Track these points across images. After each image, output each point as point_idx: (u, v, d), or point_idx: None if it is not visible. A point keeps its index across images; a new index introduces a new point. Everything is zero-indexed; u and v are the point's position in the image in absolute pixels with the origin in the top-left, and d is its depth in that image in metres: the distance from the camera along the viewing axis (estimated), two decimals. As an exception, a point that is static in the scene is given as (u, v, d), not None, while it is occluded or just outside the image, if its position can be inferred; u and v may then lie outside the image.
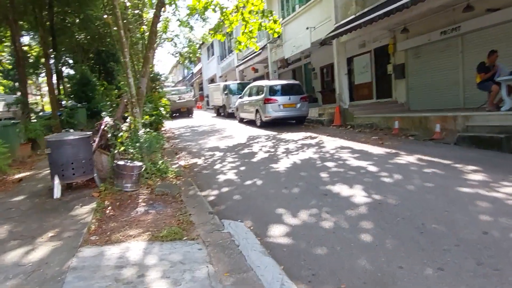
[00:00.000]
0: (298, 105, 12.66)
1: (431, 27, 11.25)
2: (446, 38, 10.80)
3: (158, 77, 15.64)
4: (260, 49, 19.70)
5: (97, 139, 5.19)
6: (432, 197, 4.04)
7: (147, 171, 5.59)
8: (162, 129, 15.65)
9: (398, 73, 13.07)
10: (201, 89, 41.67)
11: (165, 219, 3.94)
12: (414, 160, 6.01)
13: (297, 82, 13.82)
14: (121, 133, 5.15)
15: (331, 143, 8.48)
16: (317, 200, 4.34)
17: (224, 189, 5.31)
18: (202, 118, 21.26)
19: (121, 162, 4.77)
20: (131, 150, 5.44)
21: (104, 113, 5.57)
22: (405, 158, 6.20)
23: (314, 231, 3.46)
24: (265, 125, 12.93)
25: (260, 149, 8.37)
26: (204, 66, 37.85)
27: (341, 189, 4.65)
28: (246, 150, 8.43)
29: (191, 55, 18.52)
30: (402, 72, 12.90)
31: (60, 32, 14.59)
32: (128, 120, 5.68)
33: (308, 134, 10.44)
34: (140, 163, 4.96)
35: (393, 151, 6.99)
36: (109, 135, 5.01)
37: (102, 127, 5.20)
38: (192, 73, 46.43)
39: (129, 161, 4.97)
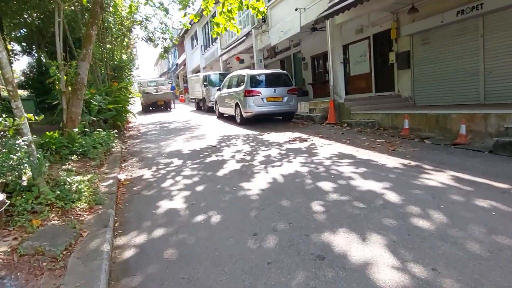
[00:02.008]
0: (285, 99, 10.65)
1: (444, 6, 9.31)
2: (464, 19, 8.88)
3: (124, 64, 13.26)
4: (244, 36, 17.62)
5: None
6: (531, 279, 2.09)
7: (39, 200, 3.52)
8: (129, 125, 13.55)
9: (401, 63, 11.15)
10: (186, 81, 39.28)
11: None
12: (450, 181, 4.07)
13: (284, 71, 11.78)
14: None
15: (326, 148, 6.51)
16: (307, 272, 2.35)
17: (158, 233, 3.29)
18: (180, 113, 19.10)
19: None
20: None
21: None
22: (435, 177, 4.25)
23: None
24: (246, 122, 10.90)
25: (233, 156, 6.35)
26: (188, 57, 35.47)
27: (349, 245, 2.67)
28: (214, 157, 6.40)
29: (165, 41, 16.25)
30: (406, 61, 10.99)
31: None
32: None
33: (297, 134, 8.45)
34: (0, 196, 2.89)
35: (412, 162, 5.05)
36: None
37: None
38: (177, 64, 43.96)
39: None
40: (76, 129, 6.50)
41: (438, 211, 3.15)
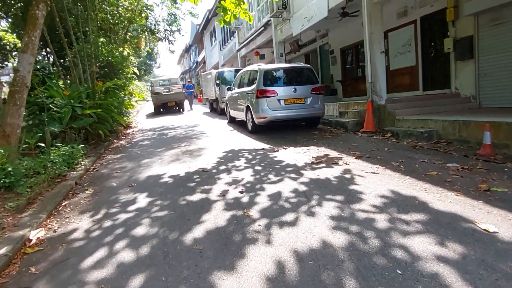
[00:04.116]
0: (309, 100, 8.32)
1: (532, -31, 6.70)
2: None
3: (114, 60, 11.09)
4: (262, 27, 15.38)
5: None
6: None
7: None
8: (127, 131, 11.67)
9: (461, 52, 8.54)
10: (206, 80, 37.48)
11: None
12: None
13: (307, 65, 9.38)
14: None
15: (370, 180, 4.15)
16: None
17: None
18: (191, 115, 17.13)
19: None
20: None
21: None
22: None
23: None
24: (260, 129, 8.68)
25: (224, 195, 4.13)
26: (207, 54, 33.61)
27: None
28: (197, 195, 4.22)
29: (172, 33, 14.26)
30: (468, 49, 8.36)
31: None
32: None
33: (323, 150, 6.12)
34: None
35: (547, 229, 2.65)
36: None
37: None
38: (197, 61, 42.34)
39: None
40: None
41: None
